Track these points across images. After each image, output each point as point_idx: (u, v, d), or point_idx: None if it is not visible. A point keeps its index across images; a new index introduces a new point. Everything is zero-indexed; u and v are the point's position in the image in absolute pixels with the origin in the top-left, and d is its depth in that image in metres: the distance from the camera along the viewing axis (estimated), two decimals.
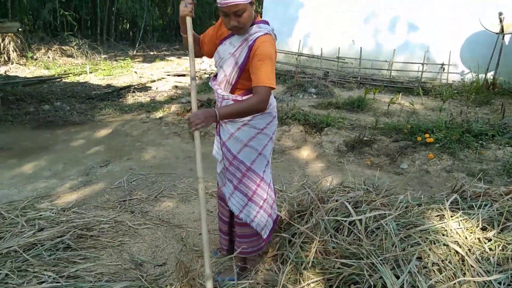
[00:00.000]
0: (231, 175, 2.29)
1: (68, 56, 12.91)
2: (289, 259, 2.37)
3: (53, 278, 2.35)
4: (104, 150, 4.82)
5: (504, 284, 1.86)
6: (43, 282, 2.31)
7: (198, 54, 2.32)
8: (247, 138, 2.19)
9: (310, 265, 2.23)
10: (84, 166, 4.30)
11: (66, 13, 13.75)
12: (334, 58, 10.06)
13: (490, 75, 8.17)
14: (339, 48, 10.13)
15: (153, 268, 2.59)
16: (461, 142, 4.67)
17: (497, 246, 2.09)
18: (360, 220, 2.29)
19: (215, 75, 2.29)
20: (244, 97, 2.13)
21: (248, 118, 2.15)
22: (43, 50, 12.48)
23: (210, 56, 2.31)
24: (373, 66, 9.70)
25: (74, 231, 2.86)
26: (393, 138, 4.98)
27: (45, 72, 10.67)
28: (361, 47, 9.67)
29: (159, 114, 6.07)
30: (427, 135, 4.75)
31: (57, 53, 12.73)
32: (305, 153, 4.86)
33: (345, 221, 2.34)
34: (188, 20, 2.08)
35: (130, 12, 17.03)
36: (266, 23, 2.13)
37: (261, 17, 2.19)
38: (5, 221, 2.93)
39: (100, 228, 3.00)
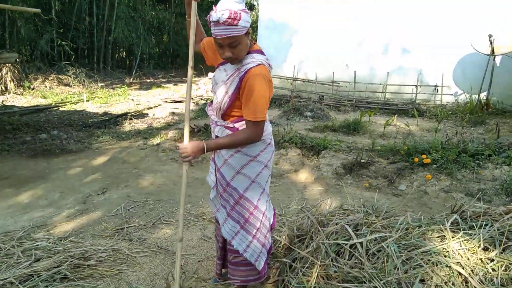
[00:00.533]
0: (225, 202, 2.27)
1: (65, 85, 13.01)
2: (291, 284, 2.34)
3: None
4: (101, 177, 4.80)
5: None
6: None
7: (197, 49, 2.29)
8: (239, 165, 2.17)
9: None
10: (81, 194, 4.27)
11: (64, 43, 13.93)
12: (329, 82, 10.19)
13: (483, 95, 8.29)
14: (333, 72, 10.29)
15: None
16: (458, 162, 4.69)
17: (500, 267, 2.07)
18: (361, 243, 2.27)
19: (211, 101, 2.29)
20: (236, 124, 2.12)
21: (260, 151, 2.18)
22: (40, 80, 12.57)
23: (209, 62, 2.32)
24: (367, 89, 9.83)
25: (71, 261, 2.81)
26: (390, 160, 5.00)
27: (42, 101, 10.71)
28: (355, 71, 9.82)
29: (156, 140, 6.08)
30: (424, 156, 4.77)
31: (54, 82, 12.83)
32: (303, 176, 4.85)
33: (346, 244, 2.32)
34: (194, 4, 2.10)
35: (127, 41, 17.29)
36: (261, 52, 2.10)
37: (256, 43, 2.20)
38: (0, 252, 2.88)
39: (98, 257, 2.95)
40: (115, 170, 5.05)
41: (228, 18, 1.83)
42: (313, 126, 6.86)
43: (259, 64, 2.00)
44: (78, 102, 10.52)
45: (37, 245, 3.01)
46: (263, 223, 2.28)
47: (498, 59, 8.14)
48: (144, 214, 3.74)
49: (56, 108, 9.70)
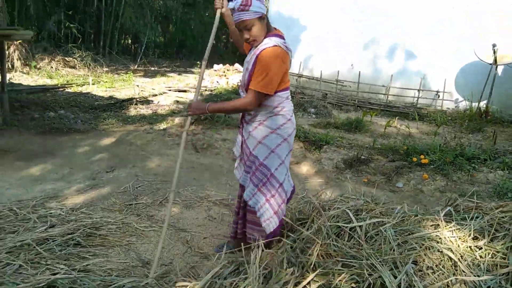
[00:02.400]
0: (248, 168, 2.57)
1: (71, 67, 13.12)
2: (291, 262, 2.51)
3: (65, 271, 2.45)
4: (109, 157, 4.94)
5: (492, 287, 2.00)
6: (56, 273, 2.40)
7: (242, 51, 2.71)
8: (260, 136, 2.47)
9: (311, 266, 2.36)
10: (90, 171, 4.41)
11: (71, 25, 14.02)
12: (333, 81, 10.34)
13: (483, 103, 8.46)
14: (338, 71, 10.43)
15: (159, 267, 2.69)
16: (454, 165, 4.86)
17: (487, 254, 2.23)
18: (361, 226, 2.44)
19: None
20: None
21: (263, 118, 2.46)
22: (46, 60, 12.67)
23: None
24: (370, 90, 9.99)
25: (84, 230, 2.97)
26: (390, 158, 5.16)
27: (48, 82, 10.82)
28: (359, 71, 9.97)
29: (162, 125, 6.22)
30: (422, 156, 4.94)
31: (60, 63, 12.93)
32: (305, 168, 5.01)
33: (346, 227, 2.48)
34: (217, 13, 2.51)
35: (133, 28, 17.37)
36: (280, 36, 2.37)
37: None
38: (17, 217, 3.03)
39: (108, 228, 3.10)
40: (122, 151, 5.20)
41: (241, 5, 2.21)
42: (316, 122, 7.02)
43: (275, 46, 2.29)
44: (84, 85, 10.63)
45: (51, 213, 3.16)
46: (279, 192, 2.54)
47: (500, 69, 8.31)
48: (151, 193, 3.89)
49: (62, 89, 9.81)
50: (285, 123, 2.49)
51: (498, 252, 2.23)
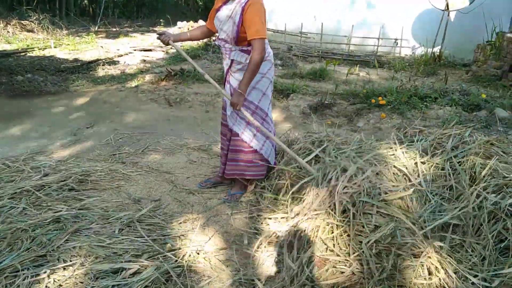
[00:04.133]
0: (243, 114, 2.80)
1: (28, 30, 12.61)
2: (266, 189, 2.93)
3: (66, 209, 2.75)
4: (86, 115, 5.11)
5: (435, 194, 2.48)
6: (58, 211, 2.70)
7: (210, 34, 3.08)
8: (254, 82, 2.76)
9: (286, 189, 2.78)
10: (70, 128, 4.60)
11: None
12: (297, 33, 10.56)
13: (437, 49, 8.96)
14: (302, 23, 10.64)
15: (149, 202, 3.02)
16: (409, 104, 5.33)
17: (429, 167, 2.70)
18: (324, 150, 2.84)
19: (218, 37, 2.83)
20: (249, 47, 2.67)
21: None
22: (1, 25, 12.10)
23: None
24: (333, 41, 10.29)
25: (75, 177, 3.24)
26: (351, 102, 5.59)
27: (7, 47, 10.48)
28: (322, 23, 10.21)
29: (133, 83, 6.36)
30: (380, 98, 5.38)
31: (17, 27, 12.41)
32: (274, 115, 5.33)
33: (311, 152, 2.89)
34: (171, 43, 2.87)
35: None
36: None
37: None
38: (11, 169, 3.26)
39: (98, 175, 3.38)
40: (98, 109, 5.36)
41: None
42: (283, 73, 7.32)
43: None
44: (45, 48, 10.37)
45: (42, 164, 3.40)
46: (272, 127, 2.98)
47: (452, 15, 8.75)
48: (133, 143, 4.16)
49: (23, 53, 9.56)
50: (271, 67, 2.86)
51: (438, 164, 2.70)
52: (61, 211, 2.70)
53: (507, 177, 2.45)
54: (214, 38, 9.91)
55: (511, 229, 2.19)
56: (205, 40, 10.33)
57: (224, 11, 2.69)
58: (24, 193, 2.90)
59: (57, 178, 3.15)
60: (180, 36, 3.01)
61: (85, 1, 20.39)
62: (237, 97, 2.69)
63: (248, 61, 2.72)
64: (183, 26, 13.20)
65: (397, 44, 9.94)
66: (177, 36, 2.98)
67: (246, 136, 2.92)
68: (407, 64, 8.70)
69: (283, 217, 2.68)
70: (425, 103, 5.37)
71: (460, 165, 2.64)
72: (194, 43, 11.36)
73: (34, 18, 12.94)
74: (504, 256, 2.19)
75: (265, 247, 2.47)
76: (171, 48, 10.68)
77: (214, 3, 2.86)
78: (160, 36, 2.92)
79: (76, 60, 9.16)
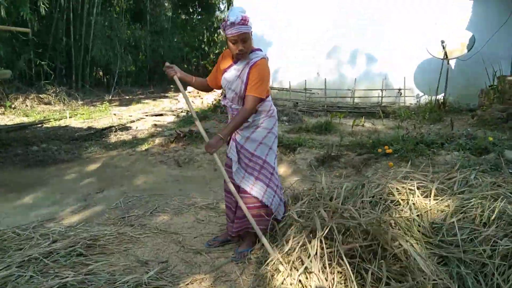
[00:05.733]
0: (251, 169, 2.90)
1: (46, 103, 13.24)
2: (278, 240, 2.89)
3: (73, 276, 2.73)
4: (97, 180, 5.21)
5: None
6: (64, 278, 2.69)
7: (208, 89, 3.27)
8: (261, 137, 2.88)
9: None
10: (80, 194, 4.68)
11: (42, 62, 14.19)
12: (302, 89, 10.88)
13: (440, 96, 9.09)
14: (305, 80, 10.99)
15: (157, 264, 2.99)
16: (415, 151, 5.33)
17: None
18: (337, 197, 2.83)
19: (224, 96, 2.98)
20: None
21: (261, 121, 2.88)
22: (20, 99, 12.76)
23: (218, 84, 3.04)
24: (337, 94, 10.57)
25: (84, 242, 3.24)
26: (357, 152, 5.61)
27: (24, 119, 10.95)
28: (325, 79, 10.55)
29: (144, 147, 6.53)
30: (386, 147, 5.40)
31: (35, 101, 13.04)
32: (282, 170, 5.40)
33: (320, 196, 2.89)
34: (176, 79, 2.97)
35: (104, 60, 17.63)
36: (260, 50, 2.86)
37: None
38: (21, 237, 3.29)
39: (106, 238, 3.38)
40: (109, 174, 5.47)
41: (242, 19, 2.62)
42: (289, 128, 7.45)
43: (263, 58, 2.78)
44: (61, 119, 10.81)
45: (51, 231, 3.43)
46: (279, 181, 3.04)
47: (452, 63, 8.99)
48: (142, 206, 4.19)
49: (40, 125, 9.97)
50: (275, 122, 2.98)
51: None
52: (67, 277, 2.69)
53: None
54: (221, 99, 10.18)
55: None
56: (214, 102, 10.72)
57: (233, 72, 2.83)
58: (32, 261, 2.90)
59: (65, 244, 3.16)
60: (186, 77, 3.07)
61: (100, 73, 21.47)
62: (215, 141, 2.72)
63: (254, 118, 2.85)
64: (192, 90, 13.72)
65: (400, 94, 10.14)
66: (183, 75, 3.05)
67: (256, 192, 2.93)
68: (413, 112, 8.80)
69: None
70: (432, 149, 5.37)
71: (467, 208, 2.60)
72: (204, 105, 11.76)
73: (52, 91, 13.62)
74: None
75: None
76: (181, 111, 11.05)
77: None
78: (168, 68, 3.01)
79: (90, 128, 9.49)
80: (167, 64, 3.05)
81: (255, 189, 2.92)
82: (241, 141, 2.91)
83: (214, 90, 3.30)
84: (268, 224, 3.00)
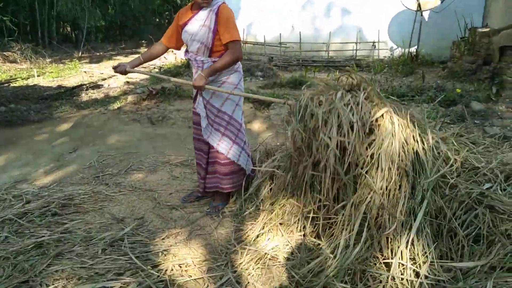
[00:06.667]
0: (217, 125, 2.91)
1: (11, 61, 12.68)
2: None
3: (49, 235, 2.77)
4: (69, 140, 5.14)
5: None
6: (41, 237, 2.72)
7: (163, 51, 3.13)
8: (227, 93, 2.85)
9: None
10: (53, 154, 4.62)
11: (4, 18, 13.43)
12: (277, 44, 10.73)
13: (414, 49, 9.16)
14: (280, 34, 10.82)
15: (133, 221, 3.05)
16: None
17: None
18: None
19: (186, 50, 2.92)
20: (218, 59, 2.77)
21: (227, 76, 2.85)
22: None
23: (179, 43, 3.02)
24: (312, 48, 10.49)
25: (58, 202, 3.26)
26: None
27: None
28: (300, 32, 10.40)
29: (116, 105, 6.42)
30: None
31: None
32: (256, 126, 5.44)
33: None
34: (131, 70, 3.03)
35: (71, 14, 16.80)
36: None
37: None
38: None
39: (81, 198, 3.40)
40: (81, 133, 5.40)
41: None
42: (264, 84, 7.43)
43: (223, 3, 2.76)
44: (29, 78, 10.42)
45: (25, 192, 3.42)
46: (245, 136, 3.07)
47: (426, 15, 8.97)
48: (116, 164, 4.19)
49: (7, 85, 9.59)
50: (241, 78, 2.96)
51: None
52: (43, 236, 2.72)
53: (477, 167, 2.52)
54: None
55: (480, 218, 2.25)
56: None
57: (195, 22, 2.77)
58: (6, 222, 2.92)
59: (39, 204, 3.17)
60: (134, 62, 3.04)
61: (68, 28, 20.53)
62: (199, 80, 2.73)
63: (219, 74, 2.82)
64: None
65: (375, 47, 10.14)
66: (132, 63, 3.04)
67: (222, 148, 2.97)
68: (386, 65, 8.87)
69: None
70: (403, 102, 5.47)
71: None
72: (178, 61, 11.50)
73: (17, 48, 13.02)
74: (477, 244, 2.24)
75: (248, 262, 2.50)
76: (154, 67, 10.80)
77: None
78: (116, 68, 3.05)
79: (59, 86, 9.20)
80: (113, 66, 3.11)
81: (221, 145, 2.96)
82: (207, 96, 2.90)
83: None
84: (239, 180, 3.08)
